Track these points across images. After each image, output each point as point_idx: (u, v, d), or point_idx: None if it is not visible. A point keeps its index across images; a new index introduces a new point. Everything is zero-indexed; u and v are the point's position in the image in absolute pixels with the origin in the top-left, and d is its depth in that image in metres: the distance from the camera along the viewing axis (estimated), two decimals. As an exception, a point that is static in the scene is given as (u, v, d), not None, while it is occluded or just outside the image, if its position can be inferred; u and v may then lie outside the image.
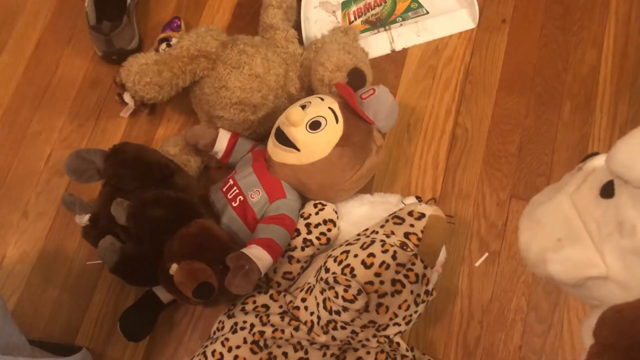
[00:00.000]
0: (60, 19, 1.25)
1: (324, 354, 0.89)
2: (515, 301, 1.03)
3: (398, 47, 1.21)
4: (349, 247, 0.86)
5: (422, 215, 0.88)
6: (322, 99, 0.96)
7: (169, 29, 1.19)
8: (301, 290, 0.92)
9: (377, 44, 1.21)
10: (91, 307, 1.05)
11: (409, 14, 1.23)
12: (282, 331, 0.89)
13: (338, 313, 0.84)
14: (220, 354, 0.88)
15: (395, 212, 0.91)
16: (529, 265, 0.56)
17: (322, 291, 0.85)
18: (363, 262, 0.82)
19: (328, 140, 0.92)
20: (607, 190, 0.50)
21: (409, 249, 0.84)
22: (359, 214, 0.99)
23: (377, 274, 0.82)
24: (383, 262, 0.82)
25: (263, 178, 0.96)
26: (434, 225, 0.87)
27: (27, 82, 1.20)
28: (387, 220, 0.90)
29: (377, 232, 0.89)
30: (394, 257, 0.83)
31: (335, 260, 0.85)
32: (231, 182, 0.99)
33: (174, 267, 0.83)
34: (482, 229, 1.08)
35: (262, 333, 0.89)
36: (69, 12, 1.25)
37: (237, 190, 0.97)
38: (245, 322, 0.91)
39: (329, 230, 0.96)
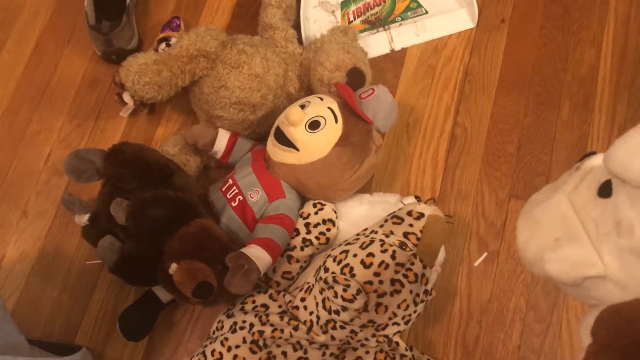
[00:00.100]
0: (60, 18, 1.25)
1: (323, 354, 0.89)
2: (514, 301, 1.03)
3: (397, 47, 1.21)
4: (348, 247, 0.86)
5: (421, 215, 0.88)
6: (322, 99, 0.96)
7: (169, 28, 1.19)
8: (300, 290, 0.92)
9: (376, 44, 1.21)
10: (91, 307, 1.05)
11: (408, 13, 1.23)
12: (282, 331, 0.89)
13: (337, 313, 0.84)
14: (220, 353, 0.89)
15: (394, 212, 0.91)
16: (526, 264, 0.56)
17: (322, 291, 0.86)
18: (362, 262, 0.83)
19: (327, 140, 0.92)
20: (605, 190, 0.50)
21: (408, 249, 0.84)
22: (358, 214, 0.99)
23: (376, 274, 0.82)
24: (382, 261, 0.82)
25: (262, 178, 0.96)
26: (433, 225, 0.88)
27: (26, 81, 1.20)
28: (386, 220, 0.90)
29: (376, 232, 0.89)
30: (393, 256, 0.83)
31: (334, 260, 0.85)
32: (230, 181, 0.99)
33: (173, 267, 0.83)
34: (481, 229, 1.08)
35: (261, 333, 0.89)
36: (68, 12, 1.25)
37: (237, 190, 0.97)
38: (244, 321, 0.91)
39: (328, 229, 0.96)
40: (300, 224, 0.96)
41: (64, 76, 1.21)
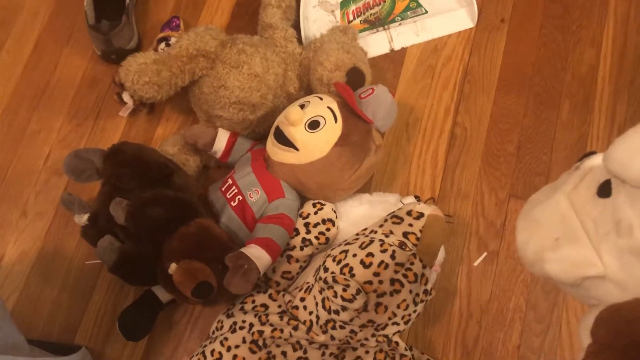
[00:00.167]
0: (59, 18, 1.25)
1: (323, 354, 0.89)
2: (514, 301, 1.03)
3: (397, 47, 1.21)
4: (348, 247, 0.86)
5: (421, 215, 0.88)
6: (321, 99, 0.96)
7: (168, 28, 1.19)
8: (300, 290, 0.92)
9: (376, 44, 1.21)
10: (90, 307, 1.05)
11: (408, 13, 1.23)
12: (281, 330, 0.89)
13: (337, 312, 0.84)
14: (219, 353, 0.89)
15: (394, 212, 0.91)
16: (526, 264, 0.56)
17: (321, 290, 0.86)
18: (362, 262, 0.83)
19: (327, 140, 0.92)
20: (605, 190, 0.50)
21: (407, 249, 0.84)
22: (357, 214, 0.99)
23: (376, 274, 0.82)
24: (382, 261, 0.82)
25: (262, 177, 0.96)
26: (432, 225, 0.88)
27: (25, 81, 1.20)
28: (385, 220, 0.90)
29: (375, 232, 0.89)
30: (392, 256, 0.83)
31: (334, 260, 0.85)
32: (230, 181, 0.99)
33: (172, 267, 0.83)
34: (481, 229, 1.08)
35: (261, 332, 0.89)
36: (67, 12, 1.25)
37: (236, 190, 0.97)
38: (244, 321, 0.91)
39: (328, 229, 0.96)
40: (299, 224, 0.96)
41: (63, 76, 1.21)
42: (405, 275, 0.83)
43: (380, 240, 0.85)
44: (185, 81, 0.99)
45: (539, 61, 1.19)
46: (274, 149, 0.95)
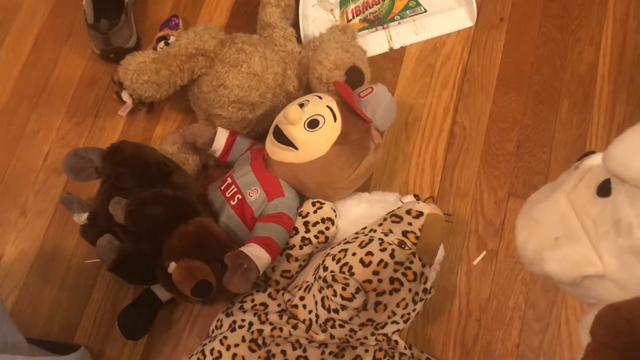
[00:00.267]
0: (58, 17, 1.25)
1: (323, 352, 0.89)
2: (513, 299, 1.04)
3: (396, 46, 1.21)
4: (347, 246, 0.86)
5: (420, 214, 0.88)
6: (320, 98, 0.96)
7: (167, 27, 1.19)
8: (299, 289, 0.92)
9: (375, 42, 1.21)
10: (89, 306, 1.05)
11: (407, 12, 1.23)
12: (281, 329, 0.89)
13: (336, 311, 0.84)
14: (219, 352, 0.89)
15: (393, 211, 0.91)
16: (526, 263, 0.56)
17: (321, 289, 0.86)
18: (361, 261, 0.83)
19: (326, 139, 0.92)
20: (604, 189, 0.50)
21: (407, 247, 0.84)
22: (357, 213, 0.99)
23: (376, 272, 0.82)
24: (381, 260, 0.82)
25: (261, 176, 0.96)
26: (432, 224, 0.87)
27: (24, 80, 1.20)
28: (385, 219, 0.90)
29: (375, 231, 0.89)
30: (392, 255, 0.83)
31: (333, 259, 0.85)
32: (229, 180, 0.99)
33: (172, 266, 0.83)
34: (480, 227, 1.08)
35: (260, 331, 0.89)
36: (66, 11, 1.25)
37: (235, 189, 0.97)
38: (243, 320, 0.91)
39: (327, 228, 0.96)
40: (299, 223, 0.96)
41: (62, 75, 1.21)
42: (404, 274, 0.83)
43: (380, 239, 0.85)
44: (184, 80, 0.99)
45: (538, 60, 1.19)
46: (273, 148, 0.95)
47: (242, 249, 0.86)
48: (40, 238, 1.09)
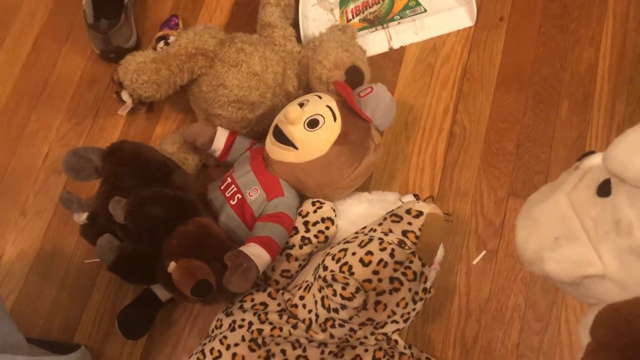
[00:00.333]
0: (58, 17, 1.25)
1: (322, 352, 0.89)
2: (513, 299, 1.04)
3: (396, 45, 1.21)
4: (347, 245, 0.86)
5: (420, 213, 0.88)
6: (320, 97, 0.96)
7: (167, 27, 1.19)
8: (299, 288, 0.92)
9: (374, 42, 1.21)
10: (89, 306, 1.05)
11: (407, 12, 1.23)
12: (281, 329, 0.89)
13: (336, 311, 0.84)
14: (219, 351, 0.89)
15: (393, 210, 0.91)
16: (526, 263, 0.56)
17: (320, 289, 0.86)
18: (361, 260, 0.83)
19: (326, 139, 0.92)
20: (604, 189, 0.50)
21: (407, 247, 0.84)
22: (357, 212, 0.99)
23: (375, 272, 0.82)
24: (381, 260, 0.82)
25: (261, 176, 0.96)
26: (431, 223, 0.87)
27: (24, 80, 1.20)
28: (385, 218, 0.91)
29: (375, 230, 0.89)
30: (392, 255, 0.83)
31: (333, 258, 0.85)
32: (229, 180, 0.99)
33: (172, 265, 0.83)
34: (480, 227, 1.08)
35: (260, 331, 0.89)
36: (66, 10, 1.25)
37: (235, 189, 0.97)
38: (243, 320, 0.91)
39: (327, 228, 0.96)
40: (299, 222, 0.96)
41: (62, 75, 1.21)
42: (404, 274, 0.83)
43: (380, 238, 0.85)
44: (184, 80, 0.99)
45: (538, 60, 1.19)
46: (273, 147, 0.95)
47: (242, 248, 0.86)
48: (40, 238, 1.09)
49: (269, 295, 0.95)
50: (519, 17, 1.22)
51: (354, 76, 1.01)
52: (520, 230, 0.56)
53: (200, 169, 1.11)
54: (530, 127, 1.14)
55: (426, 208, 0.88)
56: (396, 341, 0.90)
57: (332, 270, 0.84)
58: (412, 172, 1.12)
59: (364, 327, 0.86)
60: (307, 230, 0.95)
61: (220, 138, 1.04)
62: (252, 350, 0.88)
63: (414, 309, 0.87)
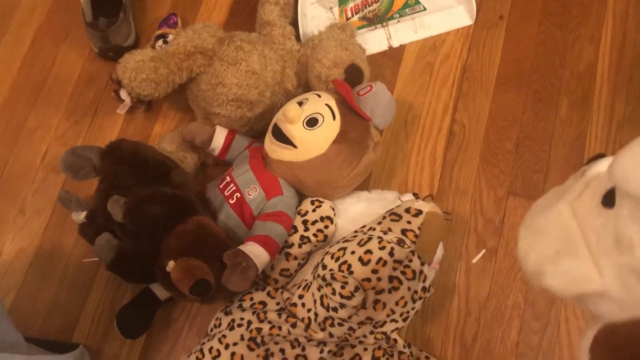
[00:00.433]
0: (56, 15, 1.25)
1: (321, 351, 0.89)
2: (513, 298, 1.03)
3: (395, 44, 1.21)
4: (346, 244, 0.86)
5: (420, 212, 0.88)
6: (319, 96, 0.96)
7: (166, 25, 1.19)
8: (298, 287, 0.92)
9: (374, 41, 1.20)
10: (88, 305, 1.05)
11: (406, 10, 1.23)
12: (280, 328, 0.89)
13: (335, 310, 0.84)
14: (218, 350, 0.88)
15: (392, 209, 0.91)
16: (526, 274, 0.54)
17: (320, 288, 0.85)
18: (360, 259, 0.82)
19: (325, 137, 0.92)
20: (609, 199, 0.47)
21: (406, 246, 0.84)
22: (356, 211, 0.99)
23: (374, 271, 0.82)
24: (380, 258, 0.82)
25: (260, 175, 0.96)
26: (431, 222, 0.87)
27: (23, 78, 1.20)
28: (384, 217, 0.90)
29: (374, 229, 0.88)
30: (391, 253, 0.83)
31: (332, 257, 0.85)
32: (228, 179, 0.98)
33: (170, 264, 0.83)
34: (479, 226, 1.08)
35: (259, 330, 0.89)
36: (64, 9, 1.25)
37: (234, 187, 0.96)
38: (242, 319, 0.91)
39: (326, 227, 0.96)
40: (298, 221, 0.96)
41: (60, 73, 1.20)
42: (403, 273, 0.83)
43: (379, 237, 0.85)
44: (182, 78, 0.99)
45: (538, 58, 1.19)
46: (272, 146, 0.95)
47: (241, 247, 0.86)
48: (39, 237, 1.09)
49: (268, 294, 0.95)
50: (519, 15, 1.22)
51: (353, 75, 1.01)
52: (522, 239, 0.55)
53: (199, 167, 1.11)
54: (529, 126, 1.14)
55: (425, 207, 0.88)
56: (395, 340, 0.90)
57: (331, 269, 0.83)
58: (411, 170, 1.12)
59: (363, 326, 0.86)
60: (306, 229, 0.95)
61: (219, 137, 1.03)
62: (251, 349, 0.88)
63: (413, 308, 0.87)
